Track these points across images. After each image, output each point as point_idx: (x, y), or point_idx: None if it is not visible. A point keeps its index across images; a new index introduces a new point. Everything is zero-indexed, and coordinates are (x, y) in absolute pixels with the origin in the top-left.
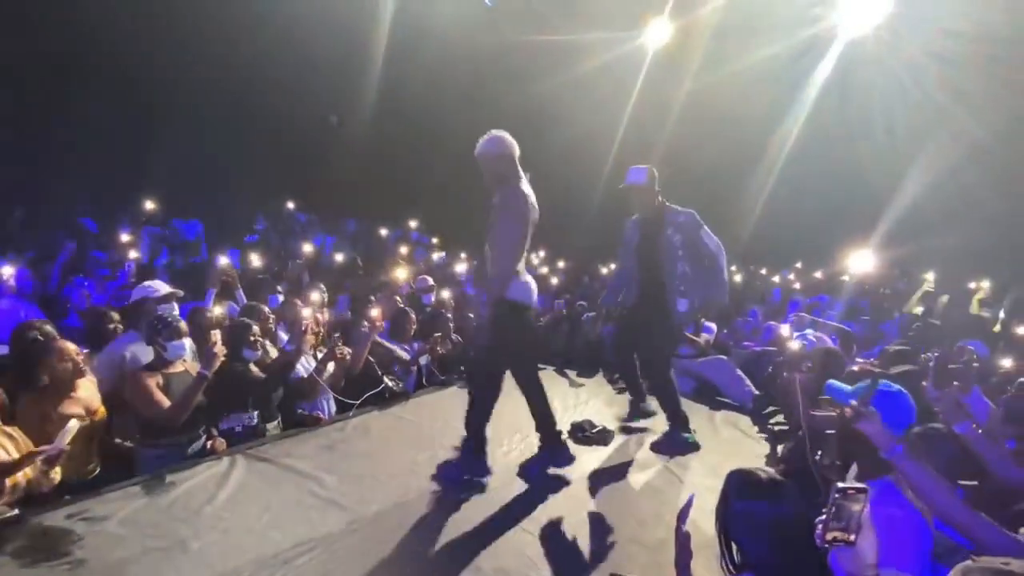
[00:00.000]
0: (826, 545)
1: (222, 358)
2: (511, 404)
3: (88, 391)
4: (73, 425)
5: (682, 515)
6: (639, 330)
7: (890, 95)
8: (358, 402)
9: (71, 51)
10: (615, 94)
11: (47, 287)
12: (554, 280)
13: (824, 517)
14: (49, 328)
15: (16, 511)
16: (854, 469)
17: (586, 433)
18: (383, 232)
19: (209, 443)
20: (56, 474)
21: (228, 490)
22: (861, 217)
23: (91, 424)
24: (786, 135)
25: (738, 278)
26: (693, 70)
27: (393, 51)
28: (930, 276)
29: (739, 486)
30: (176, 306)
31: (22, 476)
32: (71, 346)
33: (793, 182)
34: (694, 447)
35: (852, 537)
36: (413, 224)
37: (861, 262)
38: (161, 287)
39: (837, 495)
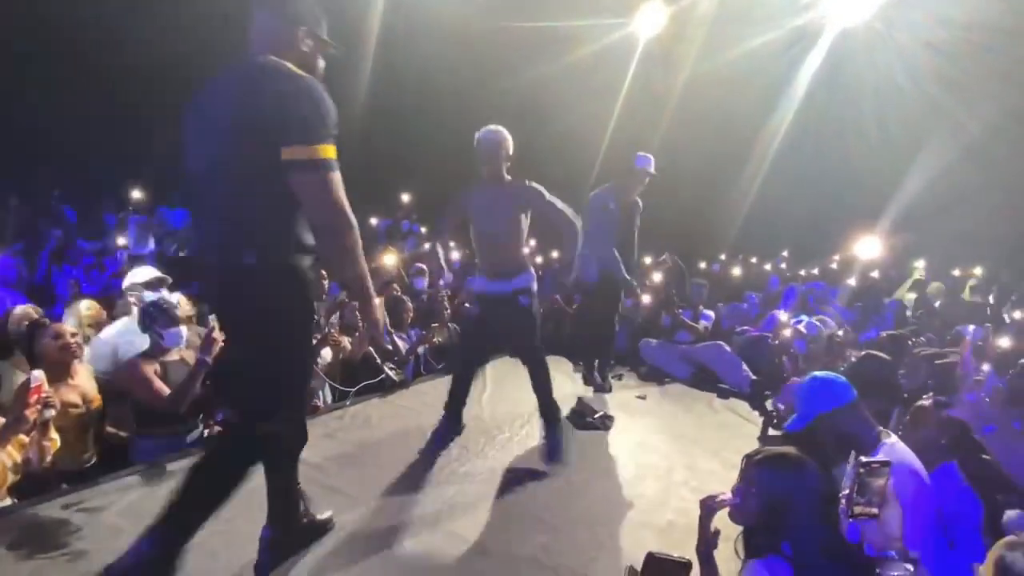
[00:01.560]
0: (851, 519)
1: (221, 343)
2: (511, 390)
3: (84, 379)
4: (40, 374)
5: (708, 507)
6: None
7: (882, 86)
8: (354, 390)
9: (55, 37)
10: (608, 82)
11: (33, 276)
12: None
13: (848, 492)
14: (38, 312)
15: (9, 501)
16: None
17: (587, 419)
18: (373, 221)
19: (207, 431)
20: (53, 444)
21: None
22: (852, 208)
23: (87, 412)
24: (777, 126)
25: (737, 271)
26: (685, 59)
27: (384, 39)
28: (920, 264)
29: (762, 465)
30: (170, 293)
31: (16, 452)
32: (66, 326)
33: (784, 173)
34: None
35: (876, 510)
36: (405, 198)
37: (868, 248)
38: (151, 273)
39: (861, 470)
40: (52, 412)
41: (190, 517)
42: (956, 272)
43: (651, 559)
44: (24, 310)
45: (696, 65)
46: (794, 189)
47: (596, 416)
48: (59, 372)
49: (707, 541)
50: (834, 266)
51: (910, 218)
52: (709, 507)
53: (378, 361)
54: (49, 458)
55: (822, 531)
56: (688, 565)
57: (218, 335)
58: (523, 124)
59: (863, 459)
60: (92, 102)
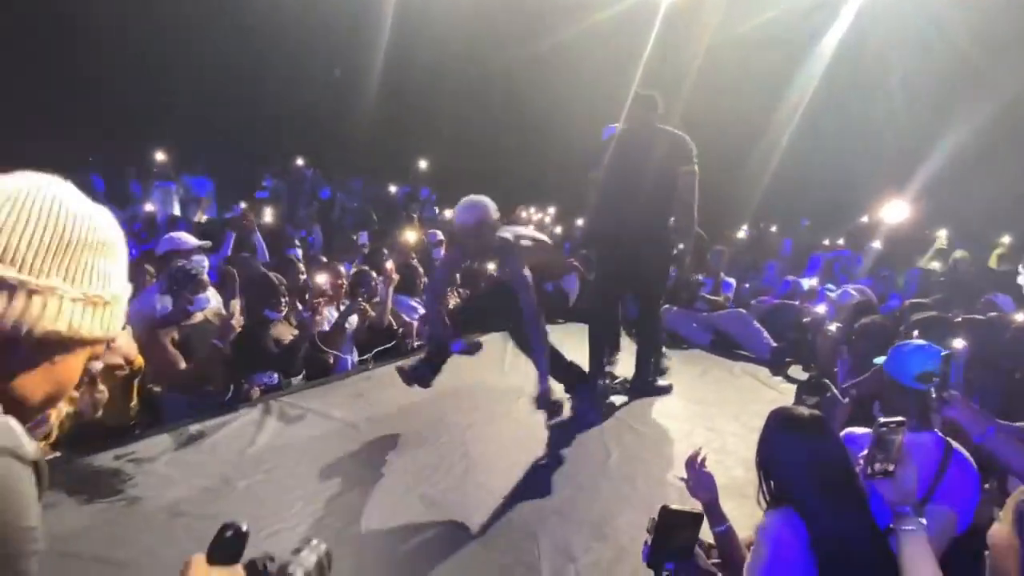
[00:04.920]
0: (868, 478)
1: (238, 329)
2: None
3: (125, 340)
4: None
5: (689, 469)
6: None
7: (912, 45)
8: (371, 354)
9: (81, 7)
10: (628, 49)
11: None
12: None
13: (866, 452)
14: None
15: (59, 453)
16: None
17: (610, 383)
18: (392, 188)
19: (247, 389)
20: (102, 395)
21: (266, 435)
22: (876, 175)
23: (131, 372)
24: (802, 89)
25: (742, 234)
26: (707, 23)
27: (401, 7)
28: (943, 233)
29: (780, 422)
30: (205, 259)
31: (68, 405)
32: None
33: (808, 139)
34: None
35: (892, 468)
36: (423, 165)
37: (896, 212)
38: (190, 240)
39: (882, 429)
40: (99, 366)
41: None
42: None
43: (665, 511)
44: None
45: (719, 29)
46: (817, 156)
47: (616, 381)
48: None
49: (705, 494)
50: (864, 221)
51: (935, 184)
52: (689, 461)
53: (395, 327)
54: (99, 410)
55: (818, 496)
56: (700, 516)
57: (236, 322)
58: (539, 92)
59: (881, 419)
60: (113, 68)
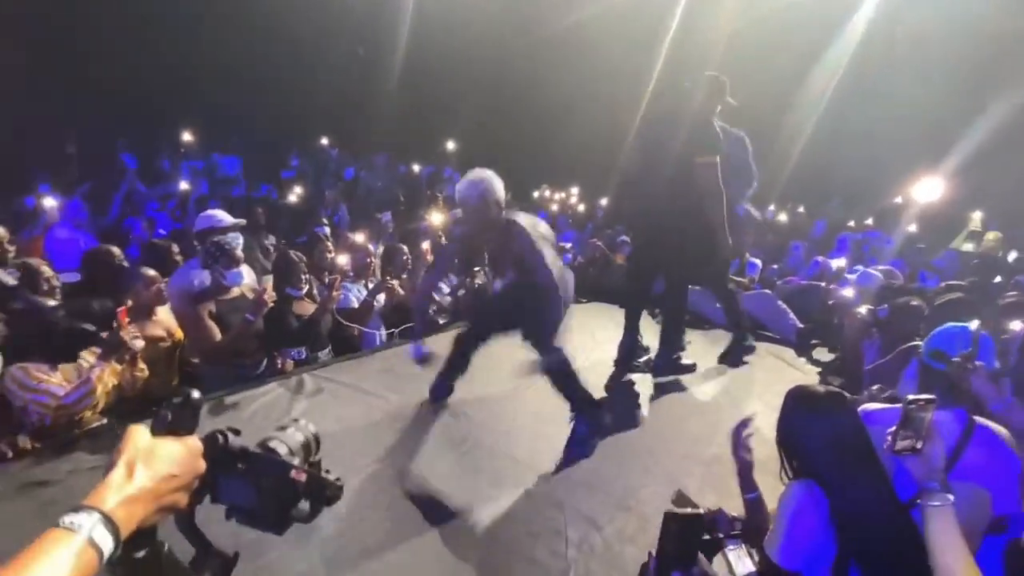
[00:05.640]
0: (895, 454)
1: (270, 304)
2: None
3: (165, 315)
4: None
5: (737, 433)
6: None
7: (947, 24)
8: (398, 330)
9: None
10: (652, 26)
11: (105, 219)
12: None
13: (894, 428)
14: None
15: (105, 420)
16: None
17: (635, 361)
18: (416, 168)
19: (280, 363)
20: (142, 373)
21: (301, 405)
22: (907, 155)
23: (172, 344)
24: (832, 70)
25: (783, 216)
26: (731, 3)
27: None
28: (976, 215)
29: (798, 399)
30: (240, 236)
31: (112, 377)
32: (156, 273)
33: (835, 121)
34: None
35: (919, 444)
36: (450, 146)
37: (928, 191)
38: (226, 217)
39: (911, 406)
40: (140, 344)
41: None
42: None
43: (668, 517)
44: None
45: (745, 7)
46: (847, 136)
47: (642, 360)
48: (144, 311)
49: (742, 461)
50: (896, 202)
51: (970, 164)
52: (736, 432)
53: None
54: (139, 386)
55: (838, 470)
56: (700, 517)
57: (268, 297)
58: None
59: (910, 396)
60: (143, 50)
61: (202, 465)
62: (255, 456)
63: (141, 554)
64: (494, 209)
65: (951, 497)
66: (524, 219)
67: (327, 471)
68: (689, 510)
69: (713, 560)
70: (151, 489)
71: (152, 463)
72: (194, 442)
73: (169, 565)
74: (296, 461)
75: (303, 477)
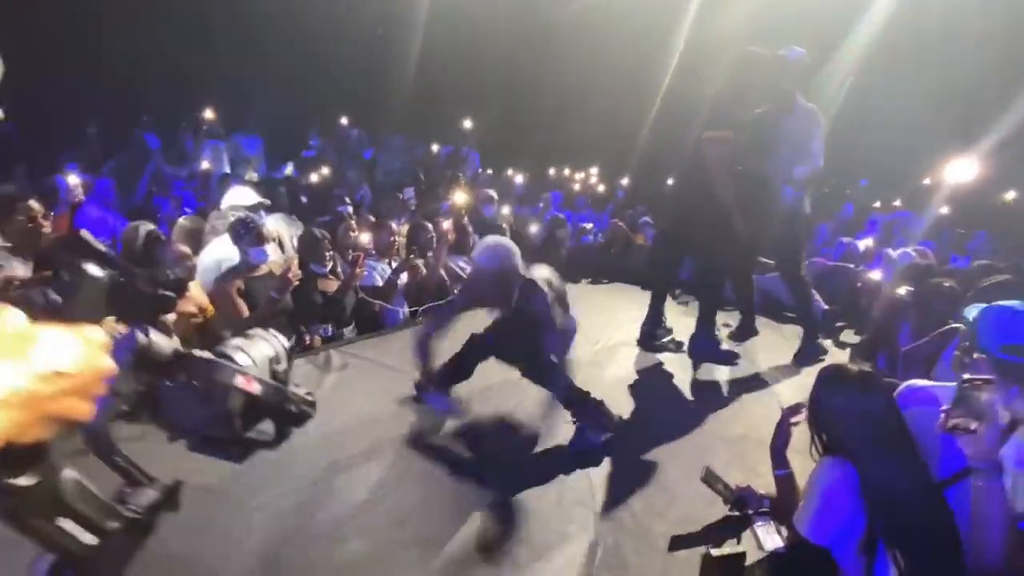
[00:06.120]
0: (947, 432)
1: (296, 282)
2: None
3: (196, 292)
4: None
5: (788, 413)
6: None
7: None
8: (421, 308)
9: None
10: (673, 5)
11: (133, 198)
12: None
13: (948, 406)
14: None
15: None
16: None
17: (659, 341)
18: (434, 148)
19: (308, 339)
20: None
21: (330, 380)
22: (939, 136)
23: (205, 321)
24: (861, 48)
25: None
26: None
27: None
28: (1009, 196)
29: (829, 379)
30: (265, 214)
31: None
32: (188, 250)
33: (864, 100)
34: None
35: (973, 426)
36: (467, 124)
37: (962, 171)
38: (252, 196)
39: (965, 384)
40: (172, 317)
41: None
42: None
43: (707, 558)
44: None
45: None
46: (876, 115)
47: (667, 339)
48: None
49: (782, 438)
50: (926, 183)
51: (1004, 145)
52: (786, 414)
53: (448, 284)
54: None
55: (869, 448)
56: (742, 556)
57: (293, 275)
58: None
59: (966, 376)
60: (165, 28)
61: (105, 363)
62: (191, 360)
63: (27, 481)
64: (513, 280)
65: (1002, 477)
66: (540, 277)
67: (309, 393)
68: (727, 550)
69: (742, 536)
70: (26, 391)
71: (27, 356)
72: (95, 332)
73: (76, 495)
74: (256, 372)
75: (254, 387)
